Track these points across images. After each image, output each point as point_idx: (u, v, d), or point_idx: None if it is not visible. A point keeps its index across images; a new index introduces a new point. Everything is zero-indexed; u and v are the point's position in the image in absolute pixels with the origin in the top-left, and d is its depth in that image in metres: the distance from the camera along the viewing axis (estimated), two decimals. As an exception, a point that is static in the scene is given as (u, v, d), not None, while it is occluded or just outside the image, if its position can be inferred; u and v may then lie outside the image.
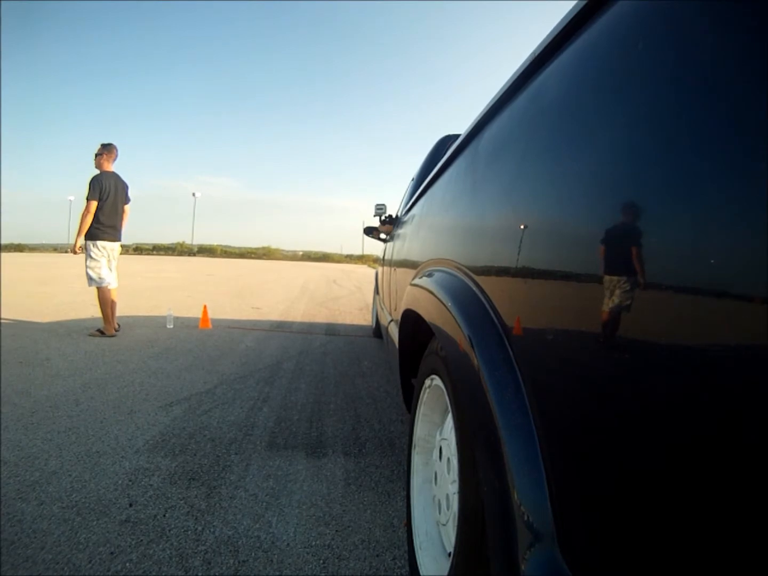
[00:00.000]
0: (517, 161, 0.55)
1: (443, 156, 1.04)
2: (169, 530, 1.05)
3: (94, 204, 3.14)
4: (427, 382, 0.95)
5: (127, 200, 3.43)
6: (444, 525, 0.78)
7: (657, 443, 0.29)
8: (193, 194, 46.60)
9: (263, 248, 48.82)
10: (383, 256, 2.74)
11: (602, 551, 0.35)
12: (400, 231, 1.86)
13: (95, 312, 3.80)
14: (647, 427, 0.30)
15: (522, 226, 0.50)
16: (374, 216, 2.59)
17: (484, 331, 0.56)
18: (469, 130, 0.78)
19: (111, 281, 3.27)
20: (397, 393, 2.18)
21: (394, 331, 1.60)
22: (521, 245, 0.49)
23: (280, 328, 3.99)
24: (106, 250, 3.25)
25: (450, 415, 0.76)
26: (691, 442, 0.27)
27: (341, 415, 1.85)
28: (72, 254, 3.30)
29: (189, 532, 1.04)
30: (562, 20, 0.46)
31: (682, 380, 0.28)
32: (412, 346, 1.24)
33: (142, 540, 1.01)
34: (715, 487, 0.25)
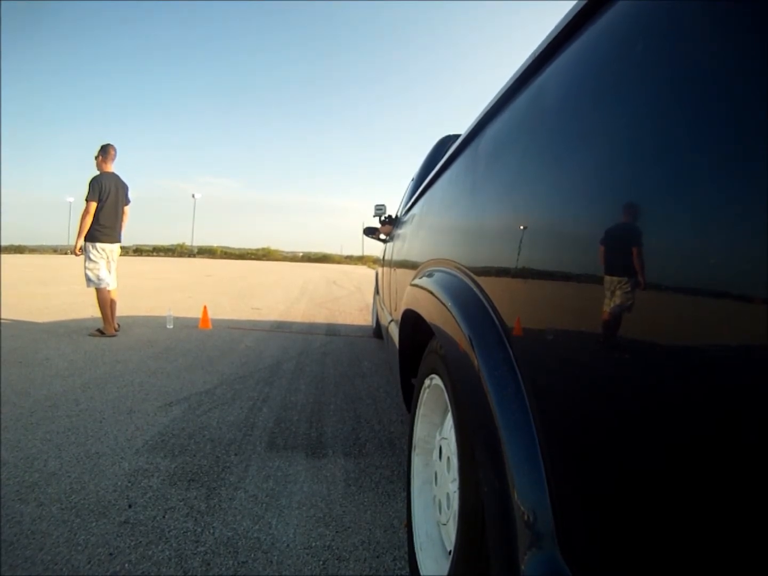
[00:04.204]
0: (518, 161, 0.55)
1: (443, 156, 1.04)
2: (169, 531, 1.05)
3: (93, 205, 3.14)
4: (427, 381, 0.95)
5: (127, 201, 3.43)
6: (444, 524, 0.78)
7: (657, 443, 0.29)
8: (193, 195, 46.59)
9: (263, 249, 48.83)
10: (383, 257, 2.74)
11: (602, 551, 0.35)
12: (400, 231, 1.86)
13: (95, 312, 3.79)
14: (647, 427, 0.30)
15: (522, 226, 0.50)
16: (374, 216, 2.59)
17: (484, 331, 0.56)
18: (470, 130, 0.78)
19: (110, 282, 3.27)
20: (396, 393, 2.18)
21: (394, 331, 1.60)
22: (521, 245, 0.49)
23: (279, 328, 3.99)
24: (105, 251, 3.25)
25: (450, 414, 0.76)
26: (691, 442, 0.27)
27: (341, 416, 1.85)
28: (73, 256, 3.30)
29: (188, 534, 1.04)
30: (562, 20, 0.46)
31: (682, 380, 0.28)
32: (412, 346, 1.24)
33: (141, 541, 1.00)
34: (715, 487, 0.25)
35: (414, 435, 1.02)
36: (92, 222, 3.18)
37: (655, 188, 0.31)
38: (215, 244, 50.23)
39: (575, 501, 0.38)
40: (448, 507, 0.75)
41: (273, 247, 50.17)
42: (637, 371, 0.31)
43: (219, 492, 1.22)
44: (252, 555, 0.98)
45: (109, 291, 3.25)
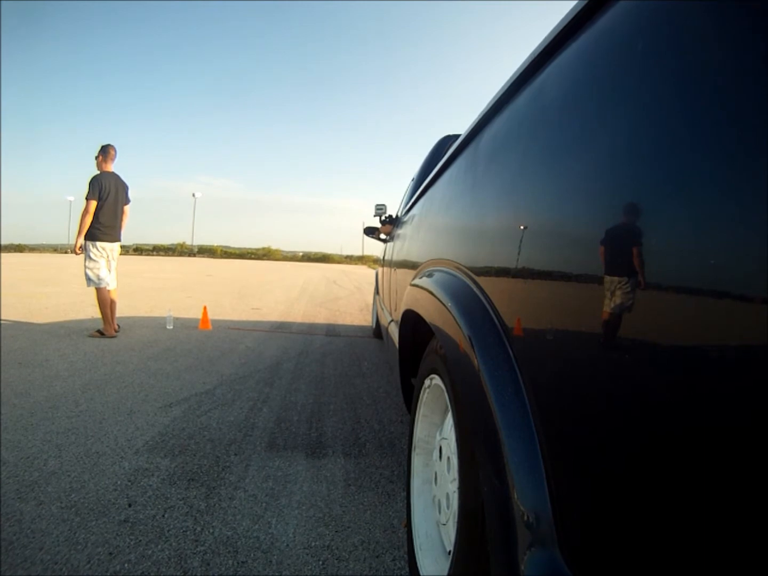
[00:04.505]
0: (518, 161, 0.55)
1: (443, 156, 1.04)
2: (168, 531, 1.05)
3: (93, 204, 3.14)
4: (427, 381, 0.95)
5: (127, 201, 3.43)
6: (444, 524, 0.78)
7: (657, 444, 0.29)
8: (193, 195, 46.56)
9: (263, 249, 48.85)
10: (383, 257, 2.74)
11: (602, 551, 0.35)
12: (400, 231, 1.86)
13: (95, 313, 3.80)
14: (647, 427, 0.30)
15: (522, 226, 0.50)
16: (374, 216, 2.59)
17: (484, 331, 0.56)
18: (470, 130, 0.78)
19: (110, 282, 3.27)
20: (396, 393, 2.18)
21: (394, 331, 1.60)
22: (521, 245, 0.49)
23: (280, 328, 3.99)
24: (105, 251, 3.25)
25: (450, 414, 0.76)
26: (692, 442, 0.27)
27: (341, 416, 1.85)
28: (74, 255, 3.30)
29: (188, 533, 1.04)
30: (562, 20, 0.46)
31: (683, 380, 0.28)
32: (412, 346, 1.24)
33: (141, 540, 1.00)
34: (715, 488, 0.25)
35: (414, 435, 1.02)
36: (92, 221, 3.18)
37: (655, 188, 0.31)
38: (215, 244, 50.28)
39: (575, 501, 0.38)
40: (448, 507, 0.75)
41: (273, 246, 50.24)
42: (637, 371, 0.31)
43: (219, 491, 1.22)
44: (252, 555, 0.98)
45: (109, 291, 3.25)
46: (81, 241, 3.20)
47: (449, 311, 0.68)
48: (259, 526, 1.08)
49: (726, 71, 0.26)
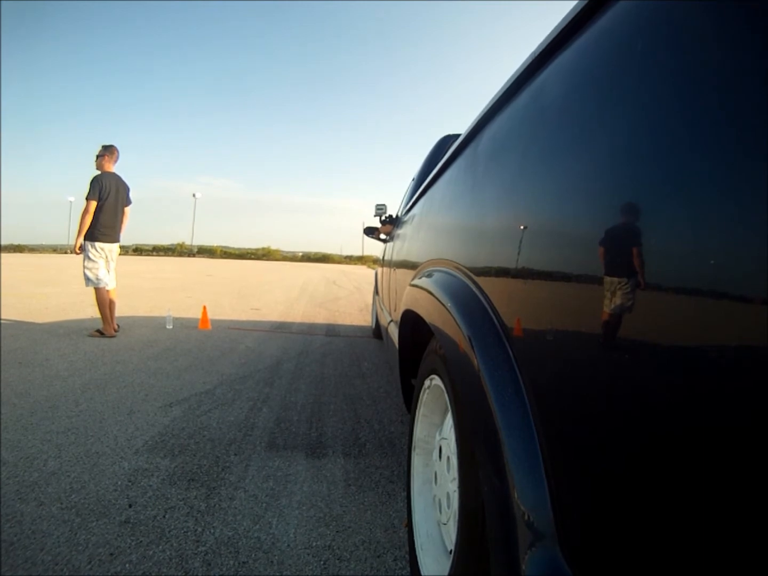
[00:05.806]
0: (518, 161, 0.55)
1: (443, 156, 1.04)
2: (169, 531, 1.05)
3: (93, 204, 3.14)
4: (427, 382, 0.95)
5: (127, 202, 3.43)
6: (445, 524, 0.78)
7: (657, 443, 0.29)
8: (194, 195, 46.54)
9: (263, 249, 48.88)
10: (383, 257, 2.74)
11: (603, 550, 0.35)
12: (400, 231, 1.86)
13: (94, 313, 3.79)
14: (647, 427, 0.30)
15: (522, 226, 0.50)
16: (374, 216, 2.59)
17: (484, 331, 0.56)
18: (470, 129, 0.78)
19: (108, 282, 3.26)
20: (396, 394, 2.18)
21: (393, 332, 1.60)
22: (521, 245, 0.49)
23: (279, 328, 3.99)
24: (104, 251, 3.25)
25: (450, 415, 0.76)
26: (692, 442, 0.27)
27: (341, 416, 1.85)
28: (74, 255, 3.29)
29: (189, 533, 1.04)
30: (562, 20, 0.46)
31: (682, 380, 0.28)
32: (412, 347, 1.24)
33: (141, 541, 1.00)
34: (716, 487, 0.25)
35: (414, 435, 1.02)
36: (92, 221, 3.18)
37: (655, 188, 0.31)
38: (215, 244, 50.31)
39: (575, 500, 0.38)
40: (449, 507, 0.75)
41: (273, 247, 50.27)
42: (637, 371, 0.32)
43: (219, 492, 1.22)
44: (253, 555, 0.98)
45: (108, 291, 3.25)
46: (81, 241, 3.20)
47: (449, 311, 0.68)
48: (259, 527, 1.08)
49: (725, 71, 0.26)
